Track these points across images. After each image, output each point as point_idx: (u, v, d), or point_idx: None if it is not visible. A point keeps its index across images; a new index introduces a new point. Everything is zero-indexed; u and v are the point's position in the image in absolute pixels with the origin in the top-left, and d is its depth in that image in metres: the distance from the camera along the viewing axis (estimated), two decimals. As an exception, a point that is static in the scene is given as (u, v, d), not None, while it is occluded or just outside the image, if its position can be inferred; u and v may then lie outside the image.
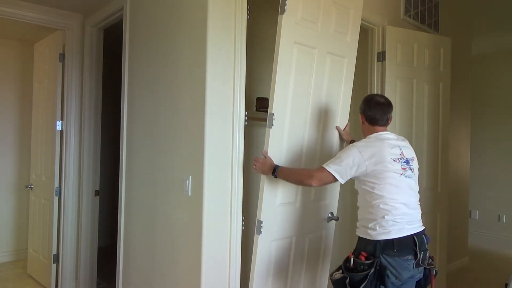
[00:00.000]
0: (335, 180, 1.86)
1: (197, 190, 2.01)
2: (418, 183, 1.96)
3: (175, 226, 2.19)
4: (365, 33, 3.06)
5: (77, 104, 3.30)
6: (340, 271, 1.80)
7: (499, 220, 5.30)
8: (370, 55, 3.13)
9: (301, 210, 2.24)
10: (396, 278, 1.75)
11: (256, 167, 2.03)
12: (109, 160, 4.33)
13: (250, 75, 2.43)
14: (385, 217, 1.78)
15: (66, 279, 3.28)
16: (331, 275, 1.84)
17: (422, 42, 3.22)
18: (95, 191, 3.37)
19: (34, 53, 3.84)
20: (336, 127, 2.35)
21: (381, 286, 1.73)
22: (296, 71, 2.07)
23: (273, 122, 1.98)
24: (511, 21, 4.63)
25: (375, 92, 3.08)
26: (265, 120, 2.02)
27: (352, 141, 2.25)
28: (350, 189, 2.56)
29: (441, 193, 3.35)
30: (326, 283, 2.44)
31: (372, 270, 1.71)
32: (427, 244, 1.86)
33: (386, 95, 3.05)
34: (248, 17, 2.17)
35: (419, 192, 1.95)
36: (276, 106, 1.99)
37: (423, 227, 1.89)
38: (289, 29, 1.99)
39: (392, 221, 1.78)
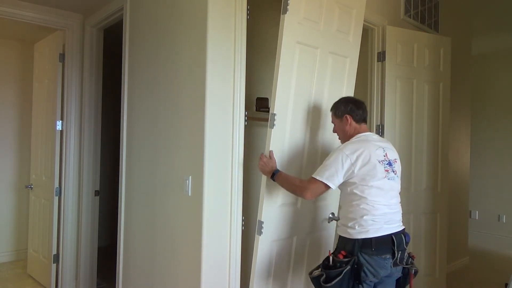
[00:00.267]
0: (328, 188, 1.85)
1: (197, 190, 2.01)
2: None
3: (175, 226, 2.19)
4: (365, 33, 3.05)
5: (77, 104, 3.29)
6: (320, 269, 1.81)
7: (499, 220, 5.29)
8: (370, 55, 3.13)
9: (302, 211, 2.24)
10: (374, 276, 1.77)
11: (259, 165, 2.03)
12: (109, 160, 4.33)
13: (250, 75, 2.42)
14: (364, 217, 1.79)
15: (66, 279, 3.28)
16: (310, 273, 1.85)
17: (422, 42, 3.22)
18: (95, 191, 3.36)
19: (34, 53, 3.84)
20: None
21: (358, 284, 1.75)
22: (298, 71, 2.06)
23: (275, 122, 1.98)
24: (511, 21, 4.63)
25: (375, 93, 3.09)
26: (265, 120, 2.02)
27: None
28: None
29: (441, 193, 3.35)
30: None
31: (348, 267, 1.73)
32: (407, 243, 1.87)
33: (386, 95, 3.07)
34: (248, 17, 2.17)
35: (403, 192, 1.98)
36: (278, 106, 1.99)
37: (403, 227, 1.90)
38: (292, 29, 1.99)
39: (371, 220, 1.79)
